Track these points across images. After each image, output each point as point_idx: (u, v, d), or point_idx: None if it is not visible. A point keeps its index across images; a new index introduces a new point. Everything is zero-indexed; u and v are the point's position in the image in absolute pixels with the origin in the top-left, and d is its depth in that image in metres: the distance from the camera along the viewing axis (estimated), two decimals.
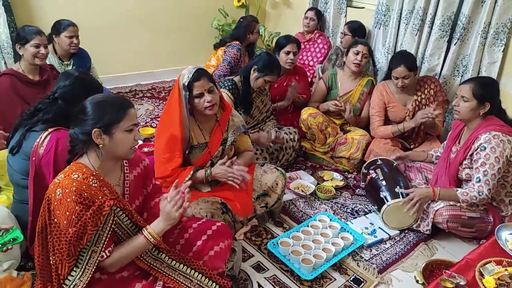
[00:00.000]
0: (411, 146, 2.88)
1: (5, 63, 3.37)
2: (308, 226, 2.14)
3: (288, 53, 2.91)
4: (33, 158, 1.71)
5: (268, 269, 1.91)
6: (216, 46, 3.70)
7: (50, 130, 1.73)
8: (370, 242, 2.11)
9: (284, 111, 3.09)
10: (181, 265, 1.54)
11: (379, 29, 3.50)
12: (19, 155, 1.78)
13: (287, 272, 1.89)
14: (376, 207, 2.36)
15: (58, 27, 2.87)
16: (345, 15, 3.84)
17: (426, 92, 2.80)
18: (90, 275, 1.36)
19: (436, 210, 2.09)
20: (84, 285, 1.35)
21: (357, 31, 3.48)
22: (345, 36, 3.50)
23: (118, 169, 1.51)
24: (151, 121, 3.49)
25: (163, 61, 4.54)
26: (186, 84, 1.87)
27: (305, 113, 2.88)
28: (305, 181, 2.62)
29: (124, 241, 1.44)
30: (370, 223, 2.27)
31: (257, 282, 1.82)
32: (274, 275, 1.88)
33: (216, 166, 2.00)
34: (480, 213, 2.07)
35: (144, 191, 1.62)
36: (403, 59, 2.66)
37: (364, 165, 2.57)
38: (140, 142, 2.95)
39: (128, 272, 1.50)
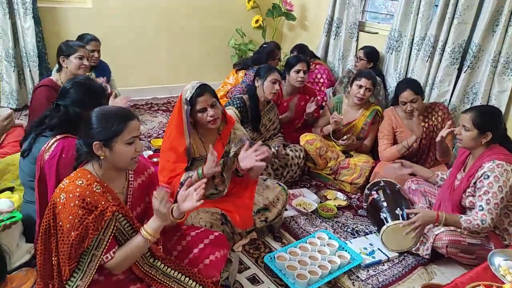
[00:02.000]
0: None
1: (30, 70, 3.57)
2: (306, 242, 2.16)
3: (298, 71, 2.99)
4: (39, 162, 1.80)
5: (263, 282, 1.93)
6: (237, 67, 3.80)
7: (58, 137, 1.80)
8: (367, 262, 2.11)
9: (291, 127, 3.14)
10: (176, 273, 1.57)
11: (391, 54, 3.57)
12: (28, 158, 1.87)
13: (282, 287, 1.91)
14: (376, 228, 2.36)
15: (81, 41, 3.03)
16: (357, 40, 3.93)
17: (433, 119, 2.82)
18: (91, 277, 1.40)
19: (436, 235, 2.08)
20: (86, 286, 1.39)
21: (372, 56, 3.55)
22: (361, 61, 3.55)
23: (123, 177, 1.56)
24: (164, 133, 3.59)
25: (180, 77, 4.68)
26: (188, 98, 1.94)
27: (303, 140, 2.92)
28: (307, 198, 2.65)
29: (124, 244, 1.48)
30: (370, 244, 2.27)
31: None
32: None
33: (207, 163, 1.92)
34: (481, 240, 2.05)
35: (147, 198, 1.65)
36: (408, 83, 2.73)
37: (368, 186, 2.59)
38: (150, 153, 3.05)
39: (124, 275, 1.54)
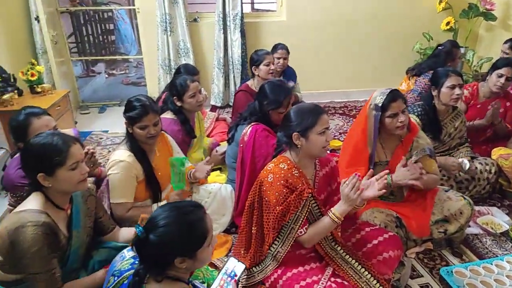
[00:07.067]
0: None
1: (234, 76, 4.30)
2: (491, 264, 1.97)
3: (500, 76, 2.68)
4: (241, 145, 2.24)
5: None
6: (410, 73, 3.67)
7: (252, 123, 2.25)
8: None
9: (479, 136, 2.85)
10: (353, 260, 1.70)
11: None
12: (234, 143, 2.36)
13: None
14: None
15: (273, 49, 3.49)
16: None
17: None
18: (290, 246, 1.65)
19: None
20: (285, 253, 1.66)
21: None
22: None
23: (312, 166, 1.79)
24: (339, 135, 3.78)
25: (357, 83, 4.80)
26: (380, 104, 1.97)
27: (495, 153, 2.60)
28: (497, 218, 2.37)
29: (314, 223, 1.69)
30: None
31: None
32: None
33: (396, 171, 1.97)
34: None
35: (329, 188, 1.85)
36: None
37: None
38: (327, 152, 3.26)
39: (305, 251, 1.76)
